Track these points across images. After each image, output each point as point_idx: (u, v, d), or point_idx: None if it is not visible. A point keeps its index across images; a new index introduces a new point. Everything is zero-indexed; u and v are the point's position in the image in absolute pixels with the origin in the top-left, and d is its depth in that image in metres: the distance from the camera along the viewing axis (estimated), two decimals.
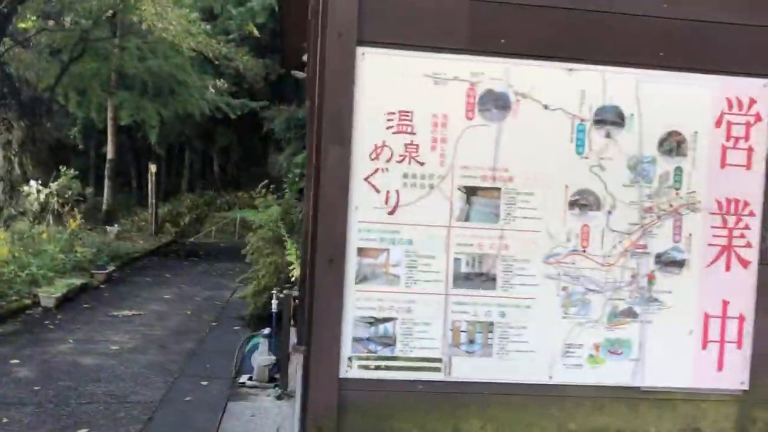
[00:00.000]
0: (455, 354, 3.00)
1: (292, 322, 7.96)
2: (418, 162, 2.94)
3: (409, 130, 2.93)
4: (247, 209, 25.56)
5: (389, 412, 2.97)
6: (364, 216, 2.92)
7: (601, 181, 3.03)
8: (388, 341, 2.97)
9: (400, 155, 2.93)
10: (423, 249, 2.96)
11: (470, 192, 2.97)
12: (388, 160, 2.93)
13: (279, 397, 7.55)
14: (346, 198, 2.90)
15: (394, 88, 2.92)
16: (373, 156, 2.92)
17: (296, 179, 10.57)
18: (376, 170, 2.93)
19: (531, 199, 3.00)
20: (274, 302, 8.01)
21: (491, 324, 3.01)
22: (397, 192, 2.94)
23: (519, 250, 3.00)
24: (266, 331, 8.11)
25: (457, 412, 3.01)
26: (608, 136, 3.02)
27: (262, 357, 7.96)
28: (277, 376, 7.98)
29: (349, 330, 2.94)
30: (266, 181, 15.80)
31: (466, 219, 2.98)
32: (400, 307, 2.96)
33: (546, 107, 2.98)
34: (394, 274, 2.95)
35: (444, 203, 2.96)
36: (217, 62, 20.05)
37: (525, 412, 3.04)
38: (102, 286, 13.12)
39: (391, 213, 2.94)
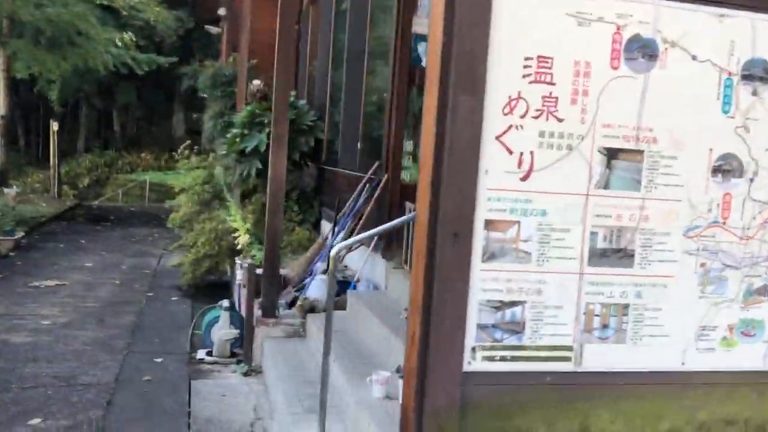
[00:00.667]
0: (587, 341, 2.61)
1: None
2: (556, 118, 2.50)
3: (548, 79, 2.48)
4: (153, 171, 24.27)
5: (514, 409, 2.56)
6: (494, 182, 2.46)
7: (745, 145, 2.69)
8: (516, 328, 2.54)
9: (537, 110, 2.48)
10: (557, 221, 2.54)
11: (611, 155, 2.56)
12: (523, 116, 2.47)
13: (246, 374, 7.01)
14: (477, 160, 2.43)
15: (533, 28, 2.45)
16: (507, 110, 2.45)
17: (236, 139, 9.87)
18: (510, 127, 2.46)
19: (674, 164, 2.62)
20: (239, 272, 7.42)
21: (626, 306, 2.64)
22: (532, 154, 2.49)
23: (659, 223, 2.63)
24: (225, 303, 7.51)
25: (586, 405, 2.63)
26: (755, 93, 2.68)
27: (223, 331, 7.36)
28: (239, 350, 7.43)
29: (473, 316, 2.49)
30: (188, 142, 14.88)
31: (606, 186, 2.57)
32: (530, 289, 2.53)
33: (694, 58, 2.60)
34: (524, 250, 2.52)
35: (583, 167, 2.54)
36: (124, 13, 18.66)
37: (656, 403, 2.70)
38: (12, 254, 11.97)
39: (524, 179, 2.49)
